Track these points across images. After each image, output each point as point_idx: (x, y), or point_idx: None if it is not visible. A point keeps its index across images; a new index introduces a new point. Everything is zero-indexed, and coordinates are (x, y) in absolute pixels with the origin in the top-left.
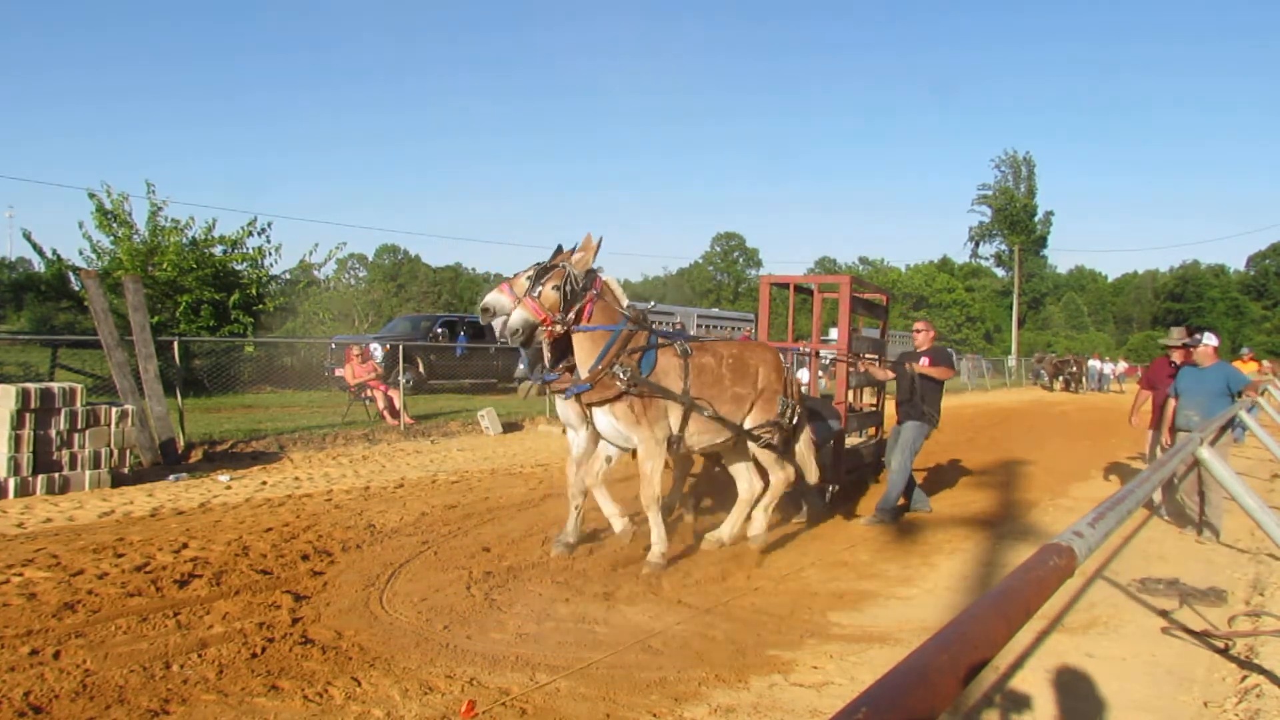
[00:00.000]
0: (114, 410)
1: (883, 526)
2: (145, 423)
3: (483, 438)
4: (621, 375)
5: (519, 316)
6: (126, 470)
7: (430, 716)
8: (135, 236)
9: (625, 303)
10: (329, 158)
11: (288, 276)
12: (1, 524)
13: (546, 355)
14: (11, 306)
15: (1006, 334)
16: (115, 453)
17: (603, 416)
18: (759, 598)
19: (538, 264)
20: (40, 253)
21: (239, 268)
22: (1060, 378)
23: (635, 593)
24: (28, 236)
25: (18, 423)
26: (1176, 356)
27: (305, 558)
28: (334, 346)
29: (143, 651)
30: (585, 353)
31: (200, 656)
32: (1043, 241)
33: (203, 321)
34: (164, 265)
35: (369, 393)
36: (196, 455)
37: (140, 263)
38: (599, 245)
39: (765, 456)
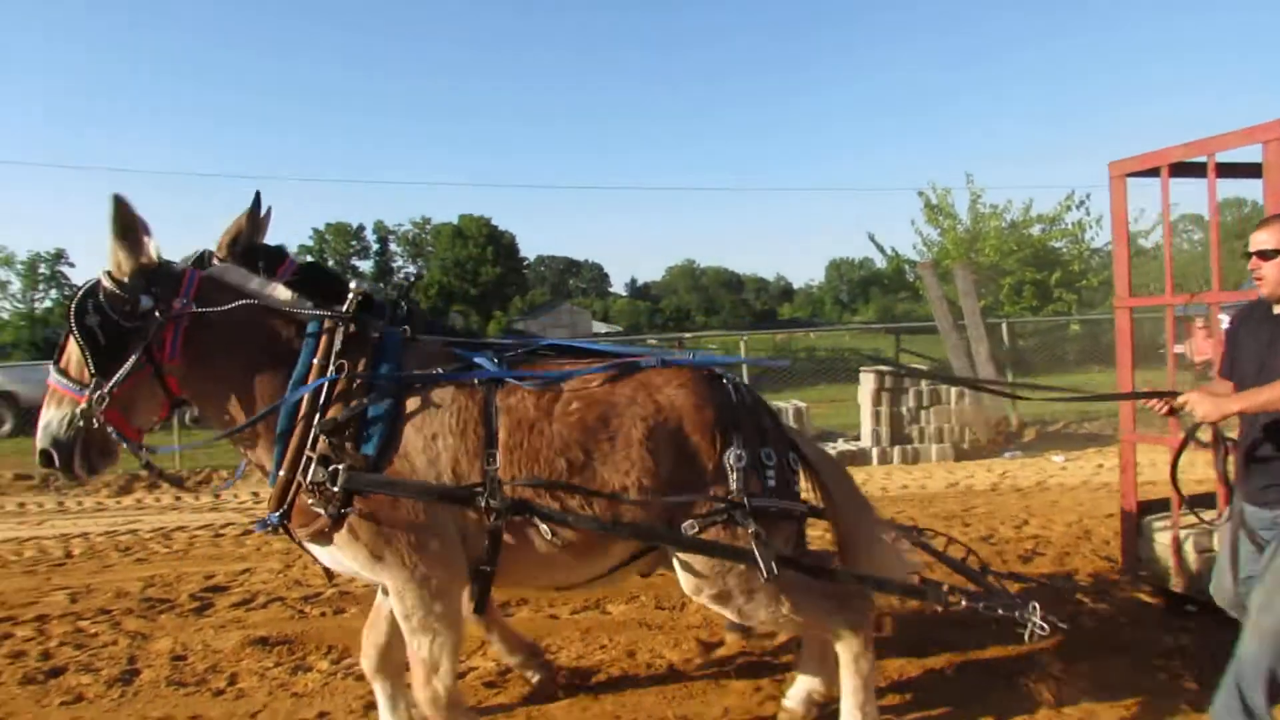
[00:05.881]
0: (952, 391)
1: None
2: (979, 403)
3: None
4: (325, 483)
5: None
6: (965, 445)
7: None
8: (959, 227)
9: (285, 295)
10: None
11: (1110, 248)
12: (870, 487)
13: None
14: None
15: None
16: (955, 429)
17: (320, 551)
18: None
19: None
20: (881, 250)
21: (1057, 245)
22: None
23: None
24: (871, 237)
25: (876, 400)
26: None
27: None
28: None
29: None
30: (256, 448)
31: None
32: None
33: (1025, 302)
34: (985, 250)
35: (1214, 371)
36: (1029, 434)
37: (964, 250)
38: (256, 213)
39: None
